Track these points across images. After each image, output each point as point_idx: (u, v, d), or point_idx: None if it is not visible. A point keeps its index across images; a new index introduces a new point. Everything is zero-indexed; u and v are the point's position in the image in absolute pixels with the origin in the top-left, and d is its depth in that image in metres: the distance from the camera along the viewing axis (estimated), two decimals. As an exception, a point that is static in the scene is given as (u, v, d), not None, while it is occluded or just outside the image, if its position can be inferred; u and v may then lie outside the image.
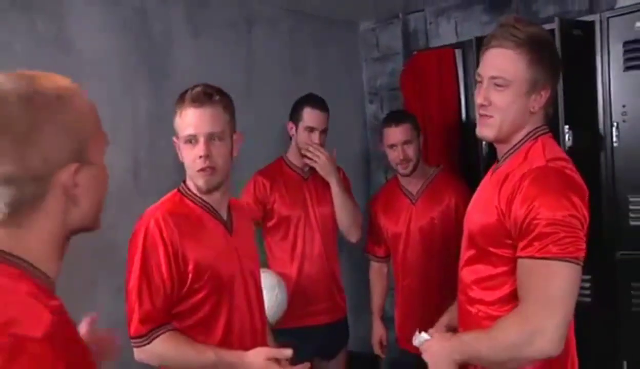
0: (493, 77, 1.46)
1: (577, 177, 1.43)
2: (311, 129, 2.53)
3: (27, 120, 0.84)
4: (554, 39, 1.58)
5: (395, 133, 2.48)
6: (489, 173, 1.63)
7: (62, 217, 0.92)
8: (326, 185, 2.60)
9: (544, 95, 1.47)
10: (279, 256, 2.56)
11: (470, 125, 2.85)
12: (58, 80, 0.92)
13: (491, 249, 1.48)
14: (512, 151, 1.51)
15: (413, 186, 2.60)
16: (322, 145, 2.56)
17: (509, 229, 1.41)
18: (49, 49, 2.26)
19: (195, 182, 1.70)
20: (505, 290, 1.46)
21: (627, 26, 2.36)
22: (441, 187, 2.57)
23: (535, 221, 1.34)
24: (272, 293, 2.29)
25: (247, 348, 1.63)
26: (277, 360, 1.57)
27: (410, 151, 2.49)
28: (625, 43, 2.37)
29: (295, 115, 2.58)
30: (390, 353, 2.96)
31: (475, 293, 1.55)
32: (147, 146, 2.55)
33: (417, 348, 2.44)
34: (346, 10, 3.46)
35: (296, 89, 2.63)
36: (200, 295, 1.65)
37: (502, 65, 1.45)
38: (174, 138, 1.73)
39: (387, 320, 2.87)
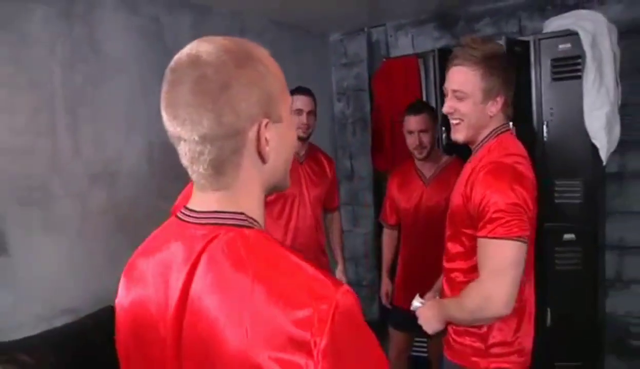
0: (454, 91, 1.70)
1: (525, 169, 1.63)
2: (299, 111, 2.81)
3: (219, 78, 0.82)
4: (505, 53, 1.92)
5: (413, 122, 2.67)
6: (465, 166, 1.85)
7: (258, 175, 0.90)
8: (319, 169, 2.98)
9: (500, 100, 1.67)
10: (274, 228, 2.84)
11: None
12: (244, 42, 0.89)
13: (462, 229, 1.70)
14: (478, 148, 1.73)
15: (427, 170, 2.78)
16: (310, 125, 2.86)
17: (471, 212, 1.63)
18: (82, 50, 2.60)
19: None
20: (474, 261, 1.66)
21: (553, 47, 2.86)
22: (452, 174, 2.59)
23: (486, 208, 1.56)
24: None
25: None
26: None
27: (426, 138, 2.66)
28: (552, 60, 2.87)
29: None
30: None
31: (455, 263, 1.77)
32: (159, 133, 2.91)
33: (403, 302, 2.87)
34: (319, 24, 3.94)
35: (279, 88, 3.01)
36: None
37: (461, 81, 1.68)
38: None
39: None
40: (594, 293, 2.92)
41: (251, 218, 0.88)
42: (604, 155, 2.80)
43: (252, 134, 0.85)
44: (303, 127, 2.86)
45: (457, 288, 1.74)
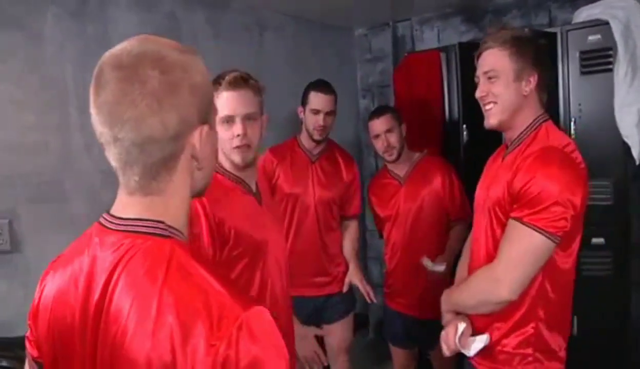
0: (486, 72, 1.73)
1: (578, 157, 1.63)
2: (316, 111, 2.65)
3: (167, 80, 0.81)
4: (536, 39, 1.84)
5: (378, 124, 2.66)
6: (499, 159, 1.83)
7: (189, 181, 0.90)
8: (333, 171, 2.78)
9: (532, 81, 1.68)
10: None
11: (452, 116, 3.16)
12: (185, 46, 0.89)
13: (503, 217, 1.66)
14: (521, 138, 1.71)
15: (400, 170, 2.75)
16: (327, 126, 2.67)
17: (512, 197, 1.60)
18: (95, 48, 2.58)
19: (231, 158, 1.71)
20: None
21: (582, 38, 2.69)
22: (428, 169, 2.72)
23: (529, 191, 1.52)
24: None
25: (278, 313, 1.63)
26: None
27: (393, 138, 2.65)
28: (581, 52, 2.70)
29: (303, 99, 2.73)
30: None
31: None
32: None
33: (398, 305, 2.81)
34: (343, 18, 3.85)
35: (300, 85, 2.83)
36: (239, 266, 1.65)
37: (491, 61, 1.71)
38: None
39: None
40: (625, 300, 2.75)
41: (171, 227, 0.87)
42: (636, 153, 2.62)
43: (192, 140, 0.85)
44: (319, 129, 2.68)
45: None
